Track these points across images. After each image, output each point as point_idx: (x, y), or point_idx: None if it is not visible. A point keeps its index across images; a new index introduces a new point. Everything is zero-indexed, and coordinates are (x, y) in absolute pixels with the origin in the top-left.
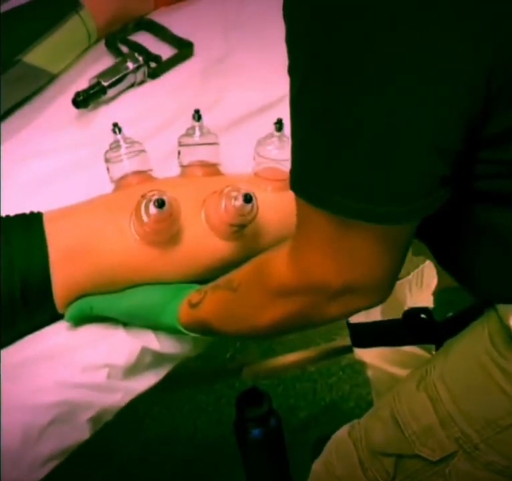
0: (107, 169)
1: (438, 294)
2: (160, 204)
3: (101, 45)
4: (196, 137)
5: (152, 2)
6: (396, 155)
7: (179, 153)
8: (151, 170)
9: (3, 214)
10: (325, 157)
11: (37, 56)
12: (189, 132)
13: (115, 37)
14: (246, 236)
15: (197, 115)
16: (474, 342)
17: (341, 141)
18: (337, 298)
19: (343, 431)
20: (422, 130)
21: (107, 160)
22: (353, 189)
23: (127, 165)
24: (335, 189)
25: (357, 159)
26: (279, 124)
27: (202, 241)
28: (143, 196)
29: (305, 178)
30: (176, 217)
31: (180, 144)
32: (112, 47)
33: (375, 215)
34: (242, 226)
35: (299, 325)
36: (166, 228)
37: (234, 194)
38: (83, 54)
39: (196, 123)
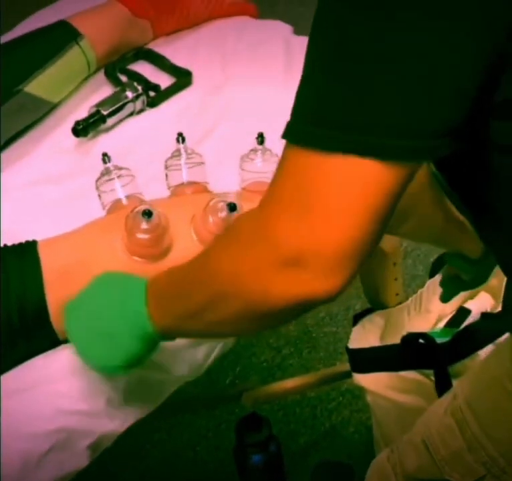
0: (99, 196)
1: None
2: (148, 214)
3: (101, 75)
4: (182, 159)
5: (151, 32)
6: (414, 90)
7: (167, 176)
8: (140, 193)
9: (2, 242)
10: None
11: (37, 86)
12: (174, 154)
13: (115, 66)
14: None
15: (181, 138)
16: (498, 366)
17: (361, 73)
18: (285, 269)
19: (382, 456)
20: (444, 68)
21: (97, 188)
22: (368, 123)
23: (118, 190)
24: (348, 126)
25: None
26: (260, 138)
27: (191, 255)
28: (132, 211)
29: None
30: (164, 229)
31: (167, 167)
32: (111, 77)
33: (381, 147)
34: None
35: (237, 298)
36: (155, 240)
37: (219, 205)
38: (83, 83)
39: (181, 145)
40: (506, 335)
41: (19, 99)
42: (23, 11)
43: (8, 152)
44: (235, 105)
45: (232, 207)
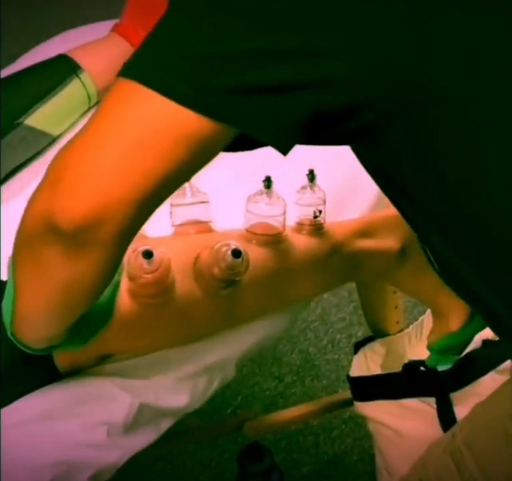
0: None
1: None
2: (148, 255)
3: None
4: (187, 197)
5: None
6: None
7: (171, 213)
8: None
9: (2, 274)
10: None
11: (38, 119)
12: (179, 192)
13: None
14: (235, 291)
15: None
16: (498, 406)
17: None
18: (45, 237)
19: None
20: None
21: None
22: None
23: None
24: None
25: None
26: (267, 182)
27: (193, 297)
28: (132, 250)
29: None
30: (165, 270)
31: (172, 205)
32: None
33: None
34: (232, 282)
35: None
36: (155, 282)
37: (224, 249)
38: (84, 116)
39: (186, 184)
40: (507, 363)
41: (19, 132)
42: (22, 42)
43: (9, 185)
44: None
45: (236, 253)
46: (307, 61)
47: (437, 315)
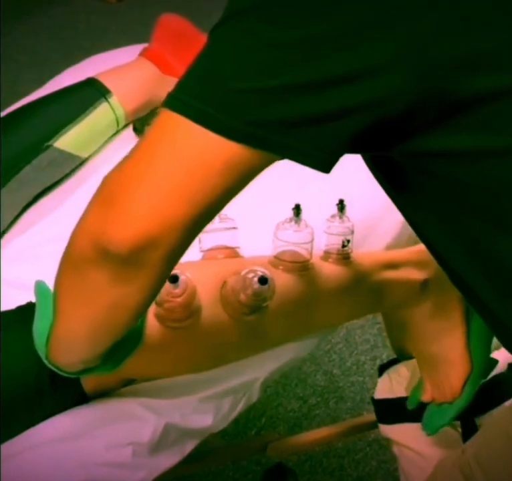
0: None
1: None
2: (174, 279)
3: (130, 130)
4: (216, 223)
5: None
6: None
7: (199, 239)
8: (238, 247)
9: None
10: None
11: (67, 142)
12: None
13: (143, 122)
14: (261, 317)
15: None
16: (507, 420)
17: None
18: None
19: None
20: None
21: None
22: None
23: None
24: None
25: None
26: (296, 209)
27: (219, 322)
28: None
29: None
30: (190, 294)
31: None
32: (140, 132)
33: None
34: (258, 308)
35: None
36: (180, 306)
37: (250, 275)
38: (112, 139)
39: None
40: None
41: (48, 155)
42: (52, 66)
43: (38, 207)
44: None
45: (263, 280)
46: (349, 88)
47: (438, 363)
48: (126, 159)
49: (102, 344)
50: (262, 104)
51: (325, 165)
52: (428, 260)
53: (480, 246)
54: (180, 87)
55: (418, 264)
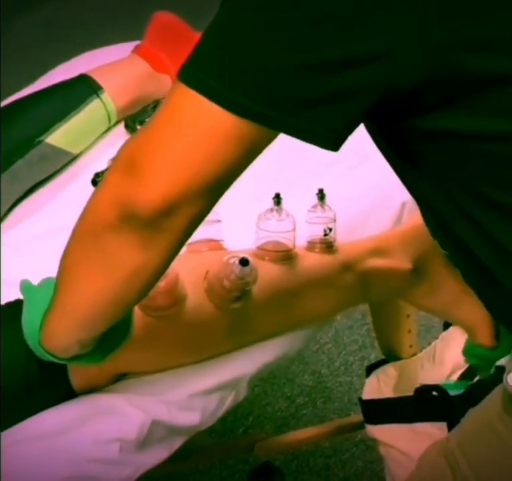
0: None
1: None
2: None
3: (121, 127)
4: None
5: (170, 85)
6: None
7: None
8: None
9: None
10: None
11: (58, 137)
12: None
13: (135, 119)
14: (247, 307)
15: None
16: (489, 409)
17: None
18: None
19: None
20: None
21: None
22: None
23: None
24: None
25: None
26: (277, 198)
27: (204, 312)
28: None
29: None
30: (172, 281)
31: None
32: (131, 129)
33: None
34: (242, 293)
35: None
36: (162, 293)
37: (232, 260)
38: (104, 135)
39: None
40: None
41: (40, 150)
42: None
43: (28, 202)
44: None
45: (244, 262)
46: (358, 69)
47: (464, 328)
48: (145, 128)
49: (107, 319)
50: (272, 83)
51: (334, 144)
52: (416, 240)
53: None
54: (193, 61)
55: (406, 246)
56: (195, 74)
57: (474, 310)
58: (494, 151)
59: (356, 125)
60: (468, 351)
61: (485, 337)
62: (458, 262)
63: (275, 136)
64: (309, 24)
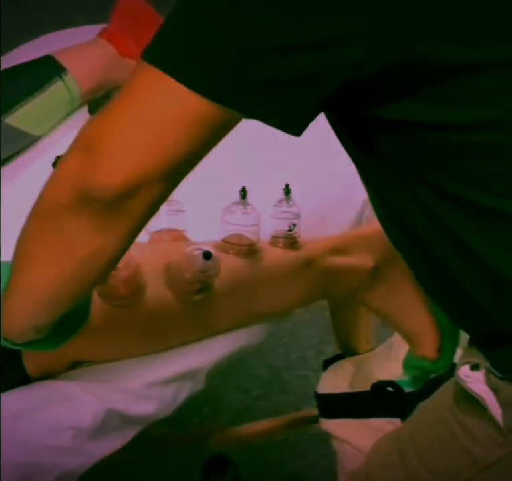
0: None
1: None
2: None
3: (85, 111)
4: (163, 205)
5: None
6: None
7: None
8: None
9: None
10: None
11: (19, 118)
12: None
13: (98, 103)
14: (208, 299)
15: None
16: (440, 402)
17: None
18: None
19: None
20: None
21: None
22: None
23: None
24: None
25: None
26: (243, 192)
27: (165, 302)
28: None
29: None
30: (132, 270)
31: None
32: (94, 113)
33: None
34: (204, 285)
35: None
36: (122, 281)
37: (195, 252)
38: (66, 119)
39: None
40: None
41: None
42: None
43: None
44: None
45: (207, 255)
46: (320, 53)
47: (408, 338)
48: (105, 109)
49: (64, 303)
50: (232, 62)
51: (295, 129)
52: (378, 242)
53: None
54: (157, 41)
55: (367, 248)
56: (158, 53)
57: (423, 321)
58: (452, 142)
59: (317, 112)
60: (409, 363)
61: (430, 348)
62: (411, 260)
63: (238, 119)
64: (269, 4)
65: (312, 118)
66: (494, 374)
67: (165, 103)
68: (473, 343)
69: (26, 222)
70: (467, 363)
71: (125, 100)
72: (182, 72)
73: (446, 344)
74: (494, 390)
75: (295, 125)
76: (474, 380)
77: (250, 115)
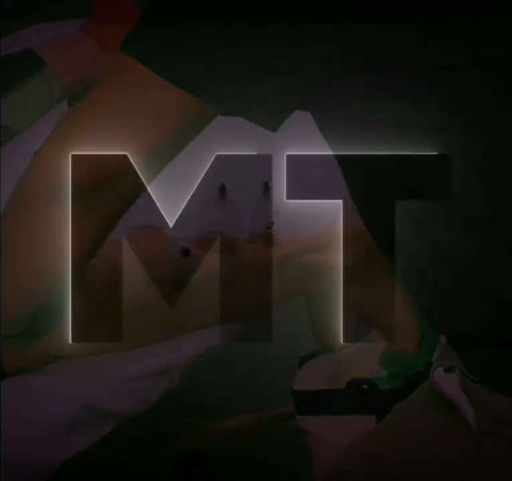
0: None
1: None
2: None
3: (65, 106)
4: (141, 202)
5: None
6: None
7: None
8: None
9: None
10: None
11: None
12: None
13: (79, 98)
14: (186, 295)
15: None
16: (414, 403)
17: None
18: None
19: None
20: None
21: None
22: None
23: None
24: None
25: None
26: (221, 189)
27: (141, 298)
28: None
29: None
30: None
31: None
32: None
33: None
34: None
35: None
36: (100, 283)
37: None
38: (46, 114)
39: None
40: None
41: None
42: None
43: None
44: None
45: (185, 252)
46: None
47: (387, 334)
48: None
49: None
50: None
51: (273, 125)
52: (354, 242)
53: None
54: (135, 32)
55: (345, 245)
56: (134, 44)
57: (402, 318)
58: None
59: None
60: (387, 358)
61: (409, 343)
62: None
63: (213, 114)
64: None
65: (288, 113)
66: (468, 376)
67: (149, 94)
68: (449, 344)
69: (2, 213)
70: (441, 365)
71: (102, 91)
72: (162, 66)
73: (426, 340)
74: (468, 393)
75: (274, 124)
76: (448, 382)
77: (232, 112)
